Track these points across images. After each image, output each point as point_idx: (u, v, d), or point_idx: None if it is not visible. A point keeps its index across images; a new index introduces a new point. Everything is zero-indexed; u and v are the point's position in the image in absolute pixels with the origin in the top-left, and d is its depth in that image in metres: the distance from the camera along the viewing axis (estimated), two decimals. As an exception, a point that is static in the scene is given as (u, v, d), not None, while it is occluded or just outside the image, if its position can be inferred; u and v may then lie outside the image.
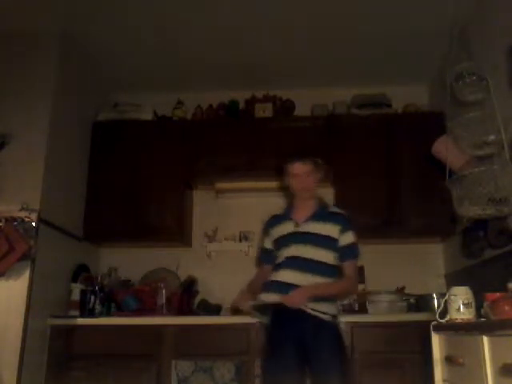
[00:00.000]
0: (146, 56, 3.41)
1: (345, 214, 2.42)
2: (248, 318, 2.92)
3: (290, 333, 2.18)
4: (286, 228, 2.38)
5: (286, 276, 2.25)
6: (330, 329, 2.22)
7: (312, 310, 2.19)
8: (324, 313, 2.21)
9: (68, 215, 3.15)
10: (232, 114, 3.64)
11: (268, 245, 2.48)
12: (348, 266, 2.32)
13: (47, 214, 2.83)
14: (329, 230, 2.32)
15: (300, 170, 2.36)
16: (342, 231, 2.32)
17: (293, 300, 2.15)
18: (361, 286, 3.31)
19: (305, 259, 2.26)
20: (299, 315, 2.18)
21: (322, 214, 2.37)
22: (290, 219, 2.40)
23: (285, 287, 2.21)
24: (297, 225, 2.36)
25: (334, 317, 2.28)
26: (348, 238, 2.33)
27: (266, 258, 2.49)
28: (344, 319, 2.82)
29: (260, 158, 3.35)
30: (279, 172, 2.54)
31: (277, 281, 2.26)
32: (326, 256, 2.29)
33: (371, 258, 3.42)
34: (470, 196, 2.25)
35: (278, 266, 2.33)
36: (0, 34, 2.97)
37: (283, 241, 2.37)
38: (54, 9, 2.87)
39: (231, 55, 3.38)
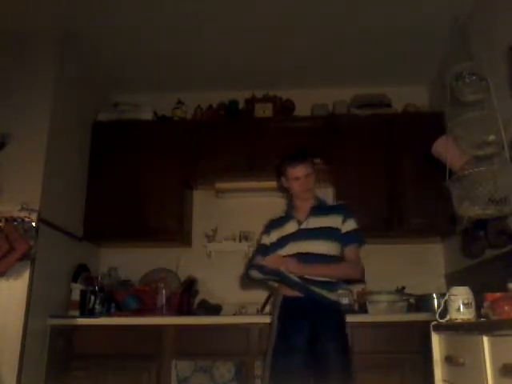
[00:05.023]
0: (146, 56, 3.41)
1: (345, 204, 2.45)
2: (248, 318, 2.94)
3: (300, 323, 2.21)
4: (289, 228, 2.39)
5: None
6: (335, 313, 2.28)
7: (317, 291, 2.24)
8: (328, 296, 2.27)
9: (68, 215, 3.15)
10: (232, 114, 3.64)
11: (267, 242, 2.45)
12: (349, 251, 2.32)
13: (47, 214, 2.83)
14: (330, 221, 2.33)
15: (301, 173, 2.37)
16: (344, 220, 2.34)
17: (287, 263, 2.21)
18: (361, 286, 3.32)
19: (303, 254, 2.26)
20: (309, 303, 2.23)
21: (321, 209, 2.40)
22: (293, 218, 2.41)
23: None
24: (299, 223, 2.38)
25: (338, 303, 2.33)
26: (350, 225, 2.34)
27: (265, 253, 2.40)
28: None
29: (260, 157, 3.35)
30: (276, 172, 2.53)
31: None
32: (327, 247, 2.29)
33: (371, 258, 3.40)
34: (470, 196, 2.25)
35: None
36: (0, 33, 2.97)
37: (284, 240, 2.36)
38: (54, 9, 2.87)
39: (231, 55, 3.38)
